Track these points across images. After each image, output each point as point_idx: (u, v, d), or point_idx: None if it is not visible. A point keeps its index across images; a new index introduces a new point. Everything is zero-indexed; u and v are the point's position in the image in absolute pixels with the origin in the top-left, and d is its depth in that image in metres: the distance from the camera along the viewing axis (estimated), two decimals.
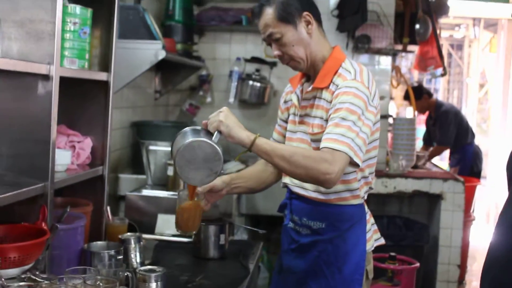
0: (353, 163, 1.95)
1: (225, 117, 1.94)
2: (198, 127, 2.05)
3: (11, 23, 1.93)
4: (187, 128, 2.05)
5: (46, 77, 1.94)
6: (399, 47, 5.28)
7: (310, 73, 2.20)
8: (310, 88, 2.14)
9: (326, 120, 2.03)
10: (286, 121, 2.32)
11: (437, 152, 6.33)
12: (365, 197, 2.21)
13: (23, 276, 1.75)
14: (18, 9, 1.93)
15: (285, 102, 2.35)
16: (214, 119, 1.97)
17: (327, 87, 2.08)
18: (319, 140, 2.02)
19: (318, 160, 1.88)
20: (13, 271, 1.72)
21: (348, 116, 1.94)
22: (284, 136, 2.31)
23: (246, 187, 2.35)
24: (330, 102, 2.03)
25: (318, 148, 2.01)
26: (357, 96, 1.97)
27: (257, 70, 4.81)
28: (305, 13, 2.09)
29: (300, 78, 2.26)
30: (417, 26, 5.20)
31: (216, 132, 1.95)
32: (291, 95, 2.28)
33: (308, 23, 2.09)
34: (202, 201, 2.21)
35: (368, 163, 2.15)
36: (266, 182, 2.39)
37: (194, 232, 2.22)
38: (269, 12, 2.07)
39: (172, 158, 2.01)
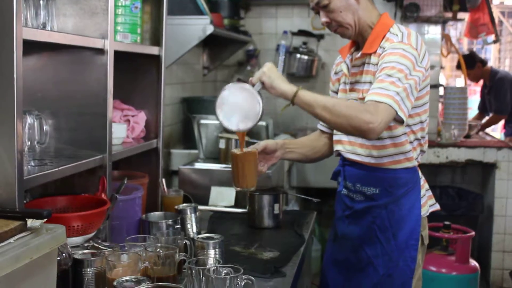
0: (397, 120, 1.93)
1: (268, 69, 1.96)
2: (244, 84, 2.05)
3: (66, 0, 1.97)
4: (230, 84, 2.04)
5: (101, 51, 1.98)
6: (449, 14, 5.16)
7: (358, 40, 2.18)
8: (359, 55, 2.13)
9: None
10: (337, 92, 2.32)
11: (494, 121, 6.11)
12: (419, 159, 2.19)
13: (86, 244, 1.81)
14: None
15: (336, 73, 2.34)
16: (258, 72, 1.99)
17: (375, 52, 2.07)
18: None
19: (360, 110, 1.87)
20: (76, 240, 1.77)
21: (393, 73, 1.92)
22: None
23: (300, 153, 2.35)
24: (379, 63, 2.01)
25: None
26: (404, 56, 1.95)
27: (304, 43, 4.79)
28: None
29: (349, 47, 2.25)
30: None
31: (258, 82, 1.97)
32: (341, 65, 2.27)
33: None
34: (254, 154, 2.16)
35: (420, 126, 2.13)
36: (320, 152, 2.40)
37: (251, 188, 2.14)
38: None
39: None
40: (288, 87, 1.93)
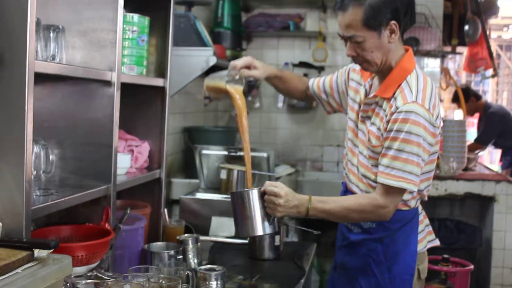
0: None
1: (280, 212, 2.03)
2: (255, 194, 2.07)
3: (75, 33, 2.02)
4: (251, 196, 2.07)
5: (108, 83, 2.02)
6: (448, 48, 5.24)
7: (378, 75, 2.17)
8: (371, 95, 2.13)
9: (382, 135, 2.04)
10: (341, 87, 2.38)
11: (470, 149, 6.22)
12: (417, 205, 2.21)
13: (89, 274, 1.83)
14: (81, 19, 2.02)
15: (352, 80, 2.31)
16: (271, 206, 2.02)
17: (389, 99, 2.05)
18: (375, 152, 2.08)
19: (372, 210, 2.04)
20: (80, 269, 1.79)
21: (405, 147, 1.96)
22: (332, 89, 2.41)
23: (282, 79, 2.47)
24: (387, 120, 2.02)
25: (373, 157, 2.09)
26: (415, 122, 1.96)
27: (305, 75, 4.84)
28: (392, 22, 2.01)
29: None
30: (466, 27, 5.16)
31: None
32: (359, 87, 2.24)
33: (392, 32, 2.02)
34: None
35: (426, 176, 2.13)
36: (295, 91, 2.53)
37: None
38: (355, 13, 1.99)
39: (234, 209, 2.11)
40: (298, 214, 2.06)
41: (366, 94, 2.19)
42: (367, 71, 2.17)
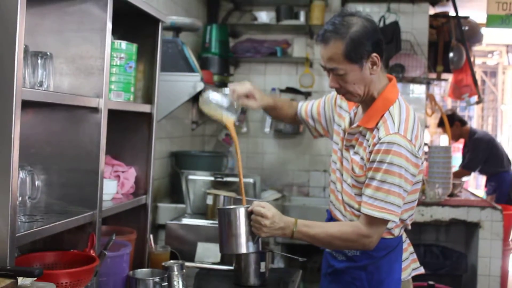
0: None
1: (266, 233, 2.05)
2: (242, 213, 2.09)
3: (63, 59, 2.03)
4: (238, 215, 2.09)
5: (95, 110, 2.02)
6: (433, 75, 5.31)
7: (362, 105, 2.19)
8: (355, 125, 2.15)
9: (365, 165, 2.06)
10: (328, 113, 2.40)
11: (458, 175, 6.29)
12: (401, 233, 2.22)
13: None
14: (69, 45, 2.03)
15: (338, 105, 2.34)
16: (257, 226, 2.05)
17: (372, 130, 2.08)
18: (359, 182, 2.10)
19: (355, 239, 2.06)
20: None
21: (387, 178, 1.98)
22: (320, 115, 2.43)
23: (276, 108, 2.51)
24: (370, 151, 2.04)
25: (357, 187, 2.11)
26: (397, 153, 1.97)
27: (292, 100, 4.87)
28: (374, 54, 2.03)
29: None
30: (451, 54, 5.24)
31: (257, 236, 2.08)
32: (345, 114, 2.27)
33: (374, 64, 2.04)
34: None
35: (410, 205, 2.15)
36: (286, 116, 2.57)
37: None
38: (337, 46, 2.01)
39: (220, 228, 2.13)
40: (284, 236, 2.08)
41: (351, 123, 2.22)
42: (350, 101, 2.20)
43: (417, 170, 2.05)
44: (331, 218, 2.31)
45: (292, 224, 2.06)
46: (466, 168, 6.24)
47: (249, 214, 2.06)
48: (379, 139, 2.01)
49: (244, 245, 2.06)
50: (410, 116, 2.07)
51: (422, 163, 2.10)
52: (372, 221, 2.02)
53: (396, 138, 1.99)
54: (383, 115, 2.07)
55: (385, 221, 2.03)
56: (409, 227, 2.22)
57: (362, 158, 2.09)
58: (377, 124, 2.06)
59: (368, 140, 2.08)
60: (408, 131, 2.02)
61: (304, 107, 2.51)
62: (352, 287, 2.19)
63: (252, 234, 2.06)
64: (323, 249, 2.35)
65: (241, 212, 2.06)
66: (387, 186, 1.99)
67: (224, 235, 2.08)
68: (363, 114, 2.16)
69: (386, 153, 1.98)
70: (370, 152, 2.03)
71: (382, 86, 2.12)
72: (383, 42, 2.08)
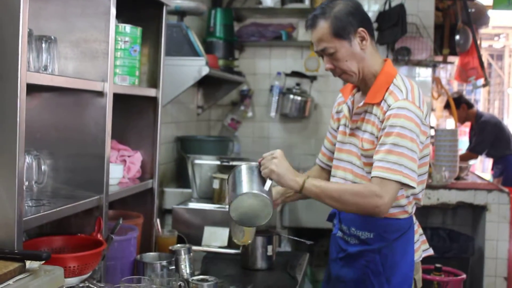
0: (407, 185, 2.00)
1: (277, 166, 2.03)
2: (253, 164, 2.12)
3: (67, 43, 2.02)
4: (243, 167, 2.11)
5: (100, 94, 2.02)
6: (439, 58, 5.27)
7: (361, 86, 2.22)
8: (361, 104, 2.15)
9: (377, 137, 2.06)
10: (336, 130, 2.35)
11: (466, 158, 6.27)
12: (413, 212, 2.22)
13: (81, 285, 1.82)
14: (73, 30, 2.02)
15: (337, 112, 2.37)
16: (266, 164, 2.05)
17: (379, 104, 2.09)
18: (369, 156, 2.07)
19: (367, 195, 1.97)
20: (72, 280, 1.78)
21: (399, 141, 1.97)
22: (335, 145, 2.34)
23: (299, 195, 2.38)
24: (381, 120, 2.05)
25: (368, 163, 2.08)
26: (408, 118, 1.99)
27: (298, 84, 4.86)
28: (360, 29, 2.08)
29: (351, 88, 2.29)
30: (457, 37, 5.19)
31: (267, 180, 2.05)
32: (343, 105, 2.30)
33: (362, 38, 2.09)
34: None
35: (420, 179, 2.13)
36: (319, 175, 2.45)
37: (249, 241, 2.33)
38: (323, 26, 2.08)
39: (227, 192, 2.13)
40: (294, 182, 2.03)
41: (350, 110, 2.23)
42: (347, 82, 2.21)
43: (425, 138, 2.06)
44: (336, 213, 2.31)
45: (303, 175, 2.06)
46: (473, 151, 6.22)
47: (259, 170, 2.08)
48: (389, 106, 2.03)
49: (251, 187, 2.03)
50: (414, 86, 2.10)
51: (428, 137, 2.11)
52: (383, 183, 1.96)
53: (406, 104, 2.01)
54: (388, 88, 2.09)
55: (398, 185, 1.98)
56: (421, 203, 2.21)
57: (371, 133, 2.09)
58: (383, 97, 2.08)
59: (376, 115, 2.09)
60: (415, 98, 2.04)
61: (320, 154, 2.49)
62: (366, 270, 2.18)
63: (263, 181, 2.04)
64: (334, 233, 2.33)
65: (251, 165, 2.10)
66: (399, 149, 1.97)
67: (233, 191, 2.06)
68: (363, 96, 2.18)
69: (397, 117, 1.99)
70: (381, 121, 2.04)
71: (379, 63, 2.16)
72: (369, 19, 2.15)
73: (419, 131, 2.01)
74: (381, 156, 1.99)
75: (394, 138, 1.98)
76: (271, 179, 2.04)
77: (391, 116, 2.00)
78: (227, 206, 2.04)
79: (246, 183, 2.04)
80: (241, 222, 2.07)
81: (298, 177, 2.04)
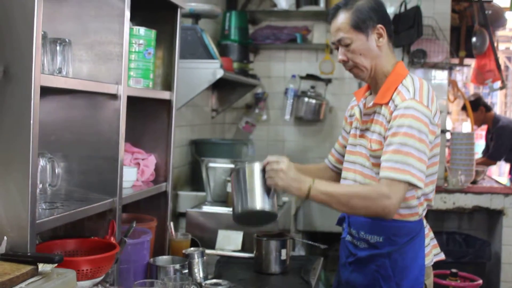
0: (414, 185, 1.97)
1: (282, 180, 2.01)
2: (258, 166, 2.07)
3: (81, 46, 2.02)
4: (247, 170, 2.08)
5: (114, 97, 2.01)
6: (455, 61, 5.23)
7: (371, 84, 2.21)
8: (371, 104, 2.15)
9: (384, 138, 2.04)
10: (349, 133, 2.34)
11: (485, 164, 6.21)
12: (424, 214, 2.19)
13: None
14: (87, 32, 2.02)
15: (350, 116, 2.36)
16: (272, 176, 2.02)
17: (387, 104, 2.08)
18: (378, 157, 2.06)
19: (375, 197, 1.96)
20: (85, 284, 1.77)
21: (407, 141, 1.95)
22: (345, 147, 2.33)
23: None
24: (388, 120, 2.04)
25: (377, 164, 2.05)
26: (416, 117, 1.97)
27: (312, 87, 4.85)
28: (379, 25, 2.10)
29: (364, 91, 2.28)
30: (474, 39, 5.15)
31: (272, 189, 2.05)
32: (354, 108, 2.29)
33: (380, 35, 2.11)
34: None
35: (430, 179, 2.11)
36: (327, 177, 2.43)
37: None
38: (344, 17, 2.10)
39: (231, 193, 2.15)
40: (300, 192, 2.01)
41: (361, 112, 2.22)
42: (357, 77, 2.20)
43: (433, 137, 2.04)
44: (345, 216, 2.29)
45: (309, 180, 2.02)
46: (491, 158, 6.12)
47: (264, 170, 2.05)
48: (396, 106, 2.02)
49: (259, 200, 2.02)
50: (424, 85, 2.08)
51: (438, 136, 2.09)
52: (391, 183, 1.95)
53: (412, 103, 2.00)
54: (396, 88, 2.08)
55: (406, 185, 1.95)
56: (432, 204, 2.18)
57: (379, 134, 2.08)
58: (391, 97, 2.07)
59: (384, 115, 2.08)
60: (423, 97, 2.02)
61: (330, 156, 2.48)
62: (376, 275, 2.15)
63: (268, 190, 2.03)
64: (343, 237, 2.31)
65: (256, 167, 2.05)
66: (407, 148, 1.95)
67: (238, 194, 2.05)
68: (374, 97, 2.17)
69: (405, 117, 1.98)
70: (388, 122, 2.03)
71: (391, 64, 2.16)
72: (390, 20, 2.17)
73: (428, 131, 1.99)
74: (389, 157, 1.97)
75: (401, 138, 1.96)
76: (275, 190, 2.06)
77: (398, 116, 1.99)
78: (231, 209, 2.06)
79: (257, 195, 2.03)
80: (240, 223, 2.10)
81: (303, 184, 2.01)
